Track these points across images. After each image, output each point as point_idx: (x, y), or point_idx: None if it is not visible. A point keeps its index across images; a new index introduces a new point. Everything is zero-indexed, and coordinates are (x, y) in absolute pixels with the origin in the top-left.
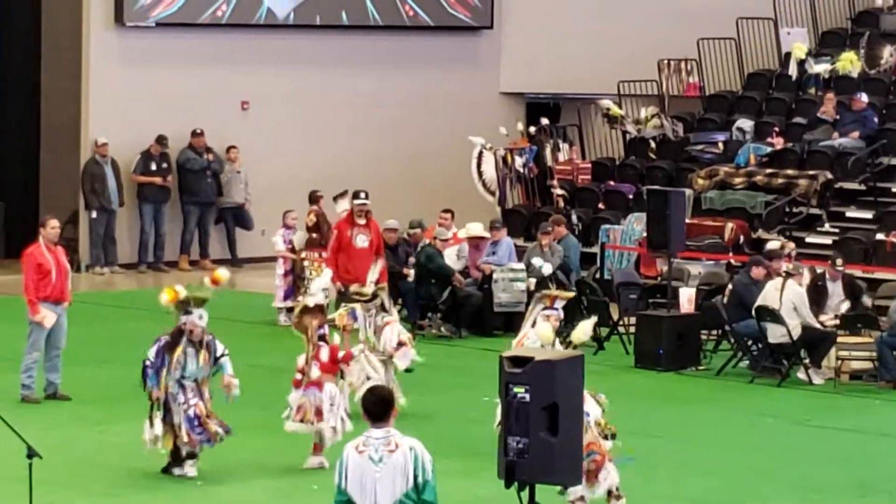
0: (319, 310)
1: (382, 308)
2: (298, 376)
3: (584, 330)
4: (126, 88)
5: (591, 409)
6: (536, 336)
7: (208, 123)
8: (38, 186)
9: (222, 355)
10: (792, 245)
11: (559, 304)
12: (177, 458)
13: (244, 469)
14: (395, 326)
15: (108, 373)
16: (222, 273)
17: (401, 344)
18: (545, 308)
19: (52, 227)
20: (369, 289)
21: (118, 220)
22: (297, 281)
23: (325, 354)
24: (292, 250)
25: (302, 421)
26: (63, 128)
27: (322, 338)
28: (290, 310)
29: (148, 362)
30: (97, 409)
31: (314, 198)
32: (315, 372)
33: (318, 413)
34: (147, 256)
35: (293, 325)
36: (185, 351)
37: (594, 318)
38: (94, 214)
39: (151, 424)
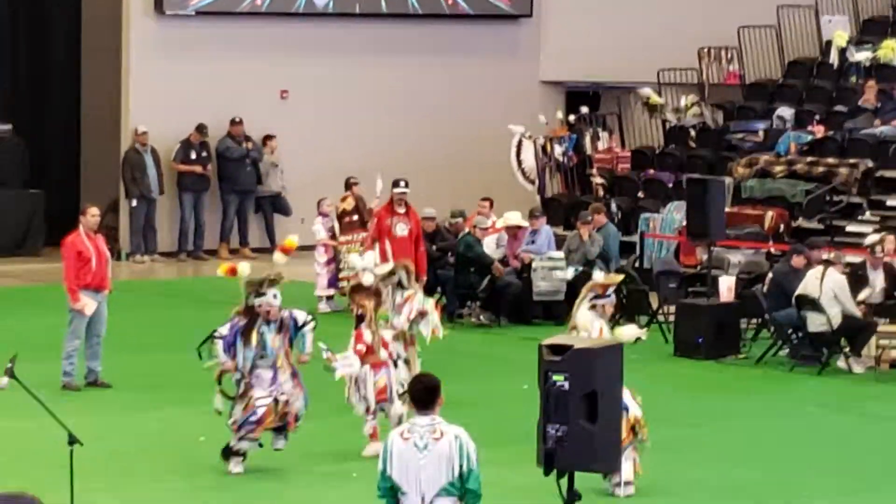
0: (375, 292)
1: (400, 285)
2: (362, 348)
3: (629, 332)
4: (166, 77)
5: (631, 405)
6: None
7: (247, 112)
8: (78, 175)
9: (304, 324)
10: (892, 237)
11: (611, 290)
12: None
13: (286, 456)
14: (415, 299)
15: (149, 360)
16: (293, 239)
17: (421, 314)
18: (596, 296)
19: (93, 215)
20: (386, 266)
21: (158, 209)
22: (339, 268)
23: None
24: (333, 237)
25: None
26: (103, 117)
27: (361, 319)
28: (330, 298)
29: (218, 334)
30: (138, 397)
31: (350, 184)
32: (383, 353)
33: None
34: (187, 245)
35: (348, 292)
36: (261, 331)
37: (641, 331)
38: (134, 203)
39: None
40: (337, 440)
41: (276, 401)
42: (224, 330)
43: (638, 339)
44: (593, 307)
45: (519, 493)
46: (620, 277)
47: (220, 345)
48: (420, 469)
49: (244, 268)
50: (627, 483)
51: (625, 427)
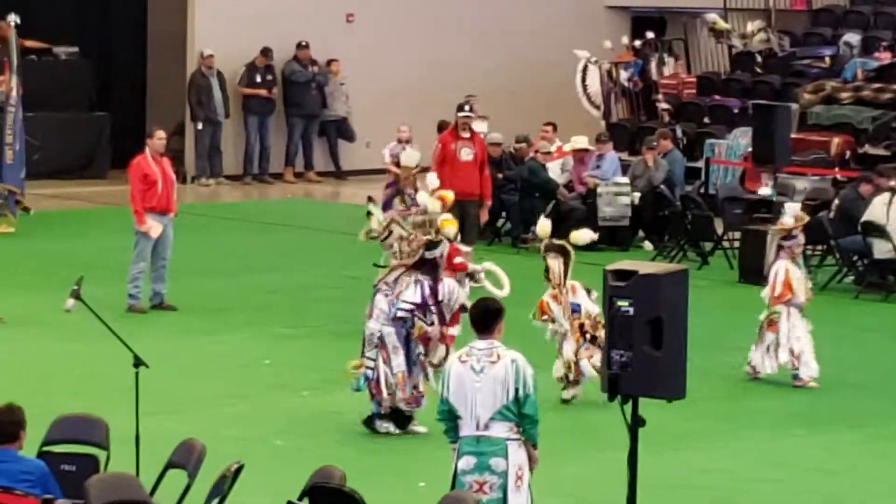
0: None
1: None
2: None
3: (584, 236)
4: (232, 0)
5: (584, 303)
6: None
7: (313, 36)
8: (144, 98)
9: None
10: None
11: (796, 231)
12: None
13: (346, 380)
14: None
15: (214, 283)
16: (448, 193)
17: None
18: (784, 238)
19: (159, 138)
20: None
21: (224, 132)
22: (396, 195)
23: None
24: (397, 164)
25: None
26: (169, 39)
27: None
28: None
29: (406, 306)
30: (203, 320)
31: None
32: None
33: None
34: (252, 168)
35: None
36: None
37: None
38: (199, 126)
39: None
40: None
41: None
42: (416, 298)
43: (592, 241)
44: (780, 248)
45: (580, 418)
46: (806, 218)
47: (411, 316)
48: (475, 392)
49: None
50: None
51: (574, 327)
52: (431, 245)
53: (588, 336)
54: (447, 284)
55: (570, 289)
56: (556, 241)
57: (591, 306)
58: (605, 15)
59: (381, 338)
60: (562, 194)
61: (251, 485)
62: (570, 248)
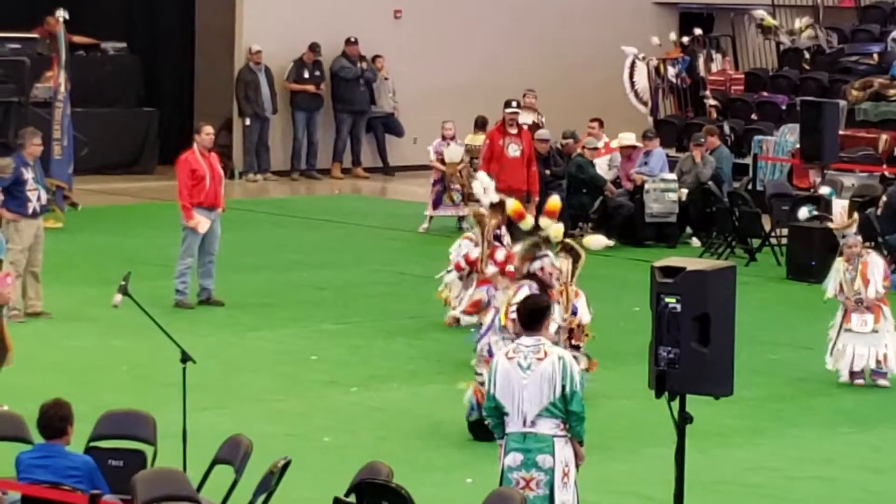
0: (501, 209)
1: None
2: (462, 263)
3: (597, 241)
4: None
5: (582, 308)
6: None
7: (361, 32)
8: (192, 93)
9: None
10: None
11: (847, 231)
12: None
13: (395, 376)
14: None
15: (261, 279)
16: (556, 200)
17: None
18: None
19: (207, 133)
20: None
21: (271, 128)
22: (444, 192)
23: (500, 255)
24: (442, 161)
25: (475, 314)
26: (217, 35)
27: (497, 238)
28: (431, 218)
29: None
30: (250, 315)
31: (481, 123)
32: (491, 269)
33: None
34: (300, 164)
35: (472, 215)
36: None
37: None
38: (247, 122)
39: None
40: (443, 361)
41: None
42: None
43: (606, 247)
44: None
45: (627, 415)
46: (854, 221)
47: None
48: (522, 388)
49: (555, 199)
50: None
51: (564, 330)
52: (535, 258)
53: (572, 343)
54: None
55: (574, 293)
56: (569, 241)
57: (586, 315)
58: (652, 11)
59: (489, 350)
60: (609, 191)
61: (298, 481)
62: (581, 250)
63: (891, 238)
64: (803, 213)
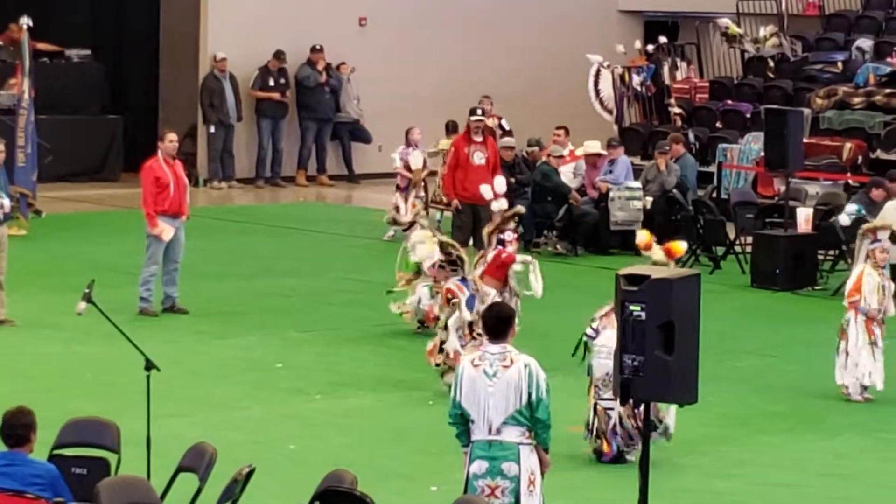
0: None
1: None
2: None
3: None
4: (244, 3)
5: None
6: None
7: (326, 39)
8: (157, 101)
9: None
10: None
11: (882, 234)
12: None
13: (360, 383)
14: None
15: (226, 287)
16: (681, 245)
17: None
18: (872, 242)
19: (171, 140)
20: (406, 217)
21: (236, 135)
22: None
23: (490, 255)
24: (407, 168)
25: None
26: (182, 42)
27: (501, 243)
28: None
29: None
30: (214, 323)
31: (452, 127)
32: (478, 270)
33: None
34: (264, 171)
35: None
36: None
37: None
38: (212, 129)
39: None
40: (412, 367)
41: None
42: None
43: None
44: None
45: None
46: (889, 227)
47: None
48: (488, 396)
49: (682, 245)
50: None
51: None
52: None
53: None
54: None
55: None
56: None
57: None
58: (617, 19)
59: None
60: (574, 199)
61: (263, 488)
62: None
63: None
64: (850, 210)
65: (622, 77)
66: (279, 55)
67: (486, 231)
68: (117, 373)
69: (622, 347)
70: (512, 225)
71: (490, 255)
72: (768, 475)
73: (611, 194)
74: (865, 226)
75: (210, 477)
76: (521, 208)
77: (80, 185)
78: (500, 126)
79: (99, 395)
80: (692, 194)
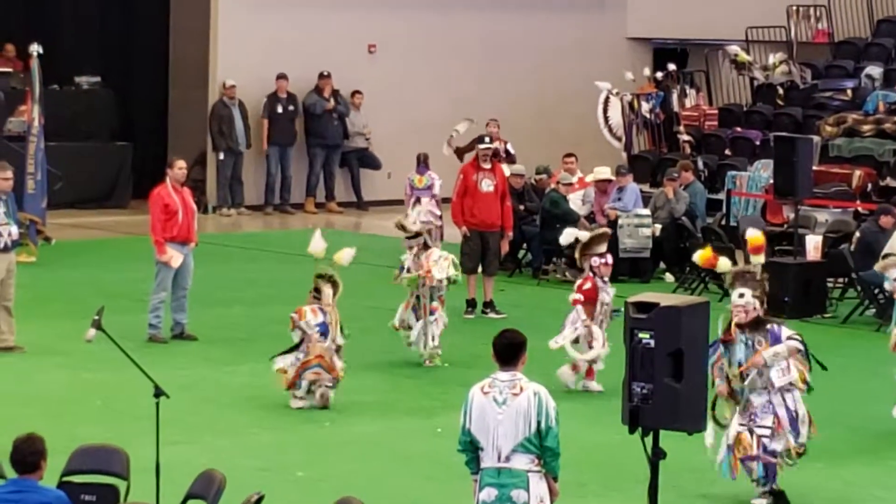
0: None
1: (426, 246)
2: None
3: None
4: (254, 30)
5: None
6: None
7: (335, 66)
8: (166, 127)
9: None
10: None
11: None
12: None
13: (369, 410)
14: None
15: (235, 313)
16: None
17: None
18: None
19: (180, 167)
20: (415, 226)
21: (245, 162)
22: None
23: (587, 285)
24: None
25: None
26: (191, 69)
27: (592, 269)
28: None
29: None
30: (224, 350)
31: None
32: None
33: None
34: (273, 198)
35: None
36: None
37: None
38: (221, 156)
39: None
40: (424, 395)
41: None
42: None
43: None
44: None
45: (601, 450)
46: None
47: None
48: (497, 424)
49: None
50: None
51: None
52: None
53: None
54: None
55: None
56: (328, 271)
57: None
58: (626, 47)
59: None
60: (583, 225)
61: None
62: (338, 280)
63: (865, 274)
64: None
65: (631, 104)
66: (283, 77)
67: (576, 254)
68: (126, 399)
69: (631, 375)
70: (601, 248)
71: (586, 284)
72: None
73: (620, 221)
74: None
75: None
76: (608, 231)
77: (89, 211)
78: (506, 150)
79: (108, 422)
80: (701, 222)
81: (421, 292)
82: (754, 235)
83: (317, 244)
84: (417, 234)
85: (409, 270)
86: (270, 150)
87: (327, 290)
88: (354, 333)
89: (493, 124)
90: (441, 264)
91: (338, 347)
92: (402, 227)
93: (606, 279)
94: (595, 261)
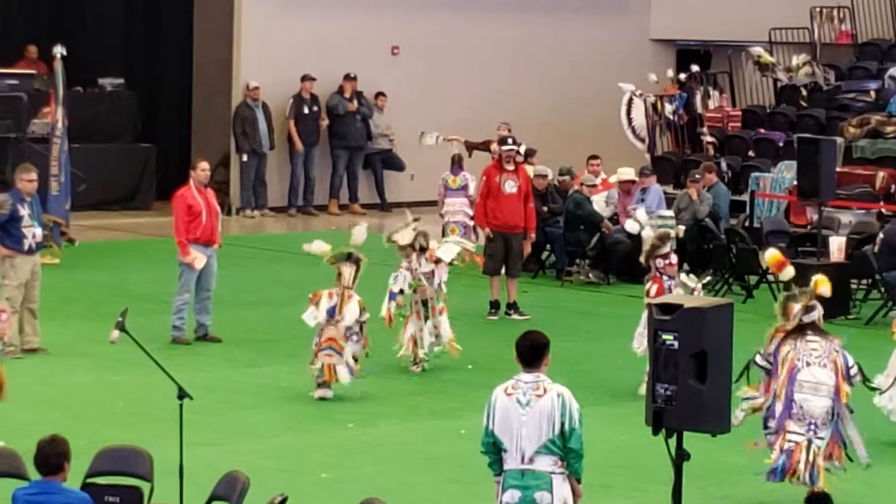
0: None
1: (422, 250)
2: None
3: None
4: (278, 32)
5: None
6: None
7: (358, 68)
8: (189, 129)
9: None
10: None
11: None
12: None
13: (392, 412)
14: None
15: (258, 315)
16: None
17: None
18: None
19: (203, 169)
20: (405, 238)
21: (269, 164)
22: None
23: (654, 290)
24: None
25: None
26: (215, 71)
27: (658, 270)
28: None
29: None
30: (247, 351)
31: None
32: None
33: None
34: (297, 200)
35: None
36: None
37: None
38: (244, 158)
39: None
40: (446, 399)
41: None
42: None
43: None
44: None
45: (625, 452)
46: None
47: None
48: (521, 425)
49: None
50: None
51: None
52: (809, 309)
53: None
54: None
55: (348, 296)
56: (347, 251)
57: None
58: (650, 48)
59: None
60: (606, 227)
61: None
62: (362, 256)
63: (888, 275)
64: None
65: (654, 106)
66: (306, 78)
67: (642, 257)
68: (150, 401)
69: (654, 376)
70: (665, 249)
71: (653, 289)
72: None
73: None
74: None
75: None
76: (669, 231)
77: (112, 213)
78: (518, 152)
79: (132, 424)
80: (724, 223)
81: (415, 299)
82: (770, 256)
83: (359, 235)
84: (409, 246)
85: (401, 292)
86: (294, 152)
87: (346, 270)
88: (377, 334)
89: (503, 127)
90: (449, 247)
91: (360, 325)
92: (392, 241)
93: (674, 278)
94: (659, 262)
